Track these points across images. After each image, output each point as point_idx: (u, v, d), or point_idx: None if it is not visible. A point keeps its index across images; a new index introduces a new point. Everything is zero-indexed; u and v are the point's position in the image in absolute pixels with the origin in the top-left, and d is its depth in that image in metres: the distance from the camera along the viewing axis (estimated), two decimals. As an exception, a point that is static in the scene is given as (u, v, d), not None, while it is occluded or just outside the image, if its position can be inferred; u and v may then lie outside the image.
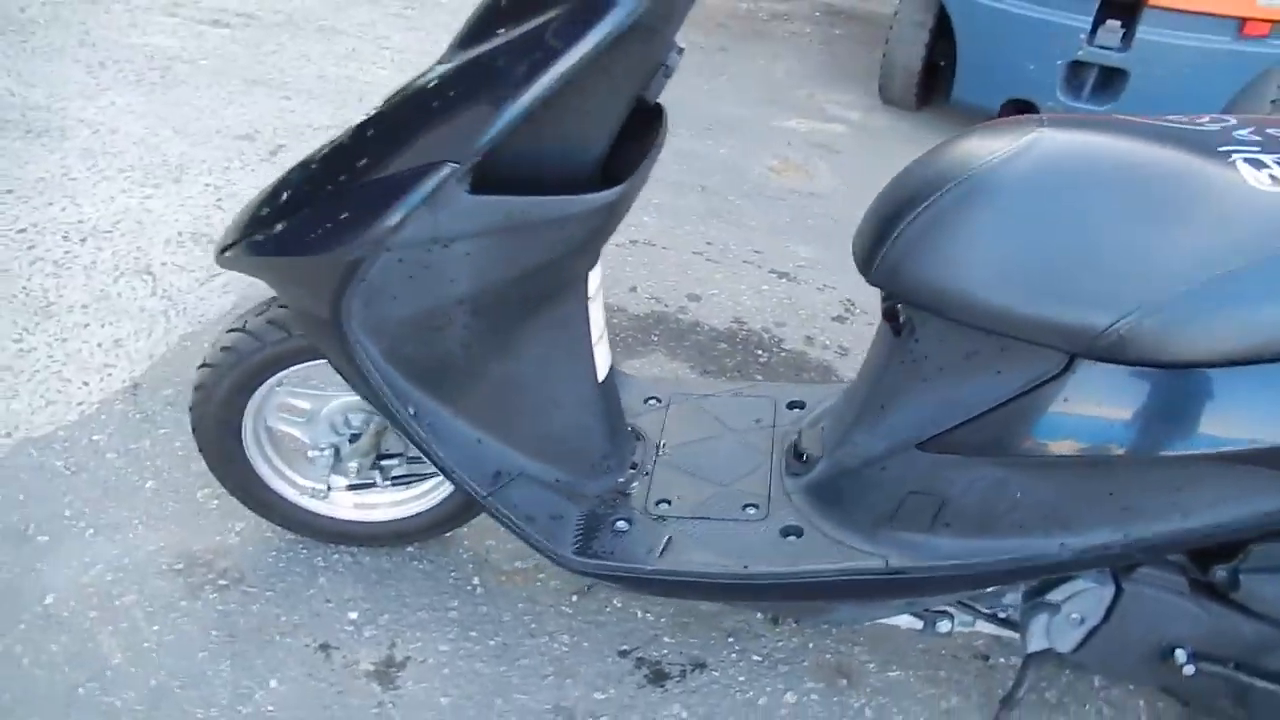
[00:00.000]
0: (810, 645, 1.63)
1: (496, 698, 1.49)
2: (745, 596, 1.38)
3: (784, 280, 2.60)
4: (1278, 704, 1.30)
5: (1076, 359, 1.11)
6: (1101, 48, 3.13)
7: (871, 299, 2.55)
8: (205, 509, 1.74)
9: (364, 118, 1.21)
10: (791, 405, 1.62)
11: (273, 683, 1.47)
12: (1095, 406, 1.12)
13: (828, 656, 1.61)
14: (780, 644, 1.63)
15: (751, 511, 1.41)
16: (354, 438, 1.51)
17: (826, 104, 3.72)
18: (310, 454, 1.52)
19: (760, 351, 2.33)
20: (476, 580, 1.68)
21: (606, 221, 1.20)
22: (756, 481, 1.47)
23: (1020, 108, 3.32)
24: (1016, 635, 1.41)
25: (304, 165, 1.26)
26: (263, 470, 1.56)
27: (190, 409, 1.48)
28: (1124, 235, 1.08)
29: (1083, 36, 3.13)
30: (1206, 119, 1.22)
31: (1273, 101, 3.26)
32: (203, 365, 1.44)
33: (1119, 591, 1.27)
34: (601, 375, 1.40)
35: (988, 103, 3.39)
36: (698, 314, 2.43)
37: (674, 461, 1.51)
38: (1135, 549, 1.19)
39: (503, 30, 1.10)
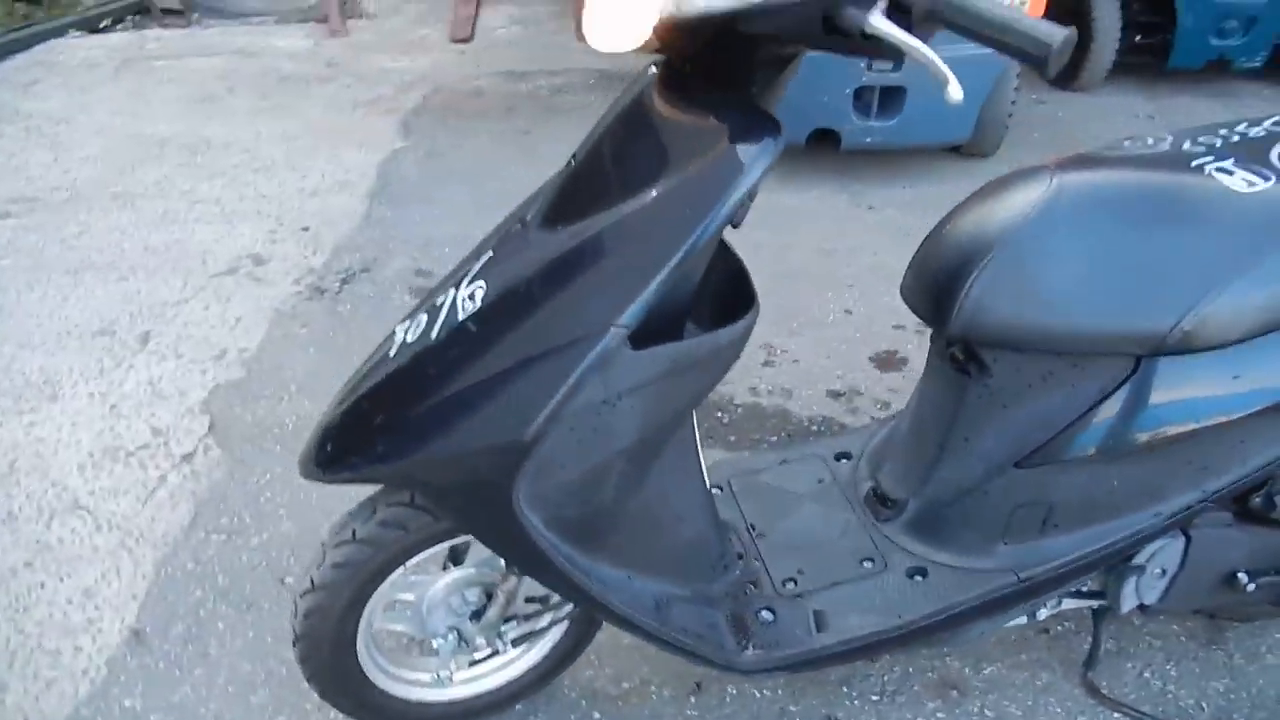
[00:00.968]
0: (910, 670, 1.76)
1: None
2: (906, 644, 1.49)
3: (704, 341, 2.73)
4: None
5: (1143, 359, 1.32)
6: (879, 71, 3.53)
7: (787, 339, 2.75)
8: (289, 738, 1.62)
9: (476, 299, 1.22)
10: (839, 457, 1.75)
11: None
12: (1168, 394, 1.34)
13: (930, 675, 1.76)
14: (887, 677, 1.75)
15: (869, 565, 1.53)
16: (475, 614, 1.48)
17: (647, 165, 3.91)
18: (435, 644, 1.47)
19: (720, 413, 2.45)
20: (597, 715, 1.68)
21: (744, 344, 1.28)
22: (855, 536, 1.58)
23: (823, 134, 3.67)
24: (1096, 603, 1.62)
25: (422, 359, 1.24)
26: (379, 679, 1.49)
27: (296, 642, 1.40)
28: (1162, 250, 1.31)
29: (863, 65, 3.50)
30: (1151, 140, 1.48)
31: (1016, 89, 3.81)
32: (310, 590, 1.37)
33: (1188, 540, 1.50)
34: (709, 482, 1.47)
35: (794, 136, 3.71)
36: (645, 393, 2.51)
37: (772, 541, 1.60)
38: (1210, 500, 1.41)
39: (622, 192, 1.15)
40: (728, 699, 1.71)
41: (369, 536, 1.35)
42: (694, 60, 1.19)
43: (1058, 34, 0.94)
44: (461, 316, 1.23)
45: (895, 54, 1.02)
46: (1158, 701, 1.71)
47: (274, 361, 2.61)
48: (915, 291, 1.45)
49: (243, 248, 3.19)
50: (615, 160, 1.23)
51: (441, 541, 1.38)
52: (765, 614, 1.48)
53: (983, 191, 1.46)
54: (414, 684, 1.53)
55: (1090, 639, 1.73)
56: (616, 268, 1.15)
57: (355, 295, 2.94)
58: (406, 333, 1.31)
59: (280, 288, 2.97)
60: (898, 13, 1.01)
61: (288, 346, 2.68)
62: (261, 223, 3.36)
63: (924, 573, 1.50)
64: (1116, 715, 1.68)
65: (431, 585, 1.47)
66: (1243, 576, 1.53)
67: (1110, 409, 1.36)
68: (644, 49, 1.15)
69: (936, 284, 1.39)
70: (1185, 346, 1.29)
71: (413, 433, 1.21)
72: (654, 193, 1.15)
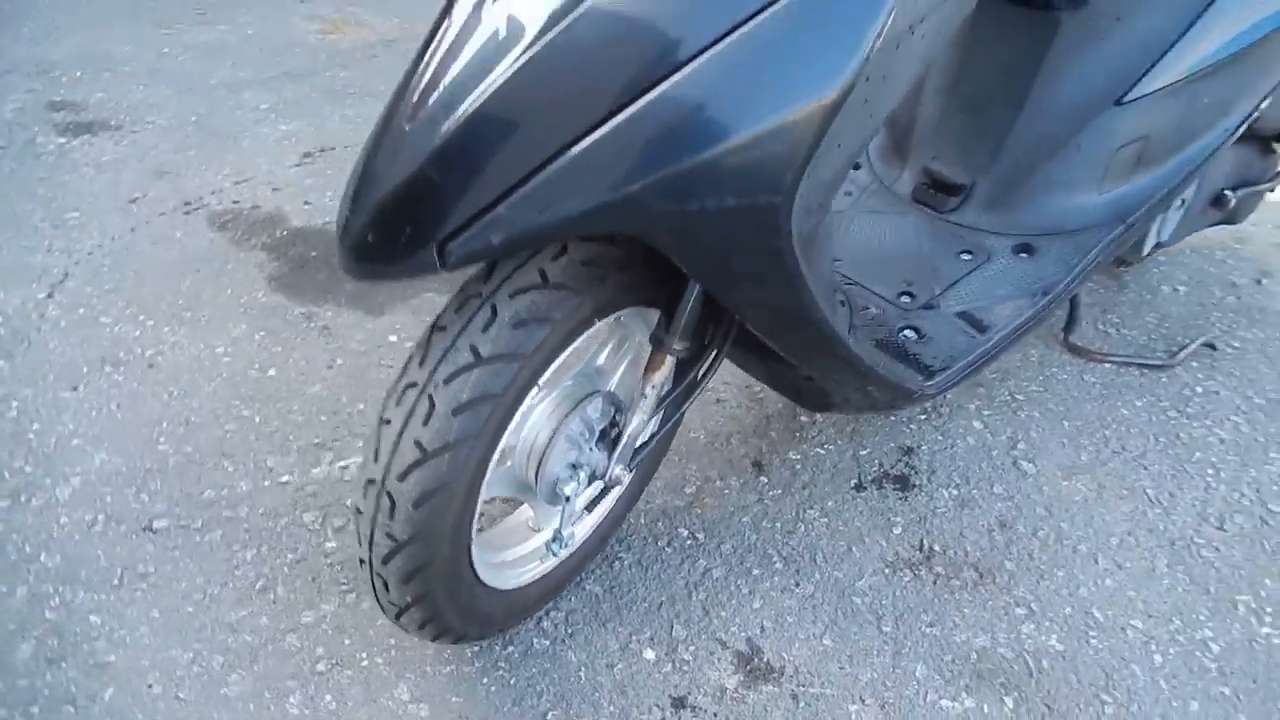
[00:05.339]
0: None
1: (852, 598, 1.28)
2: (1045, 317, 1.33)
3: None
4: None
5: None
6: None
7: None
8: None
9: None
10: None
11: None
12: None
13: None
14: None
15: (969, 258, 1.35)
16: (603, 435, 1.05)
17: None
18: (564, 490, 1.02)
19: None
20: (684, 531, 1.35)
21: None
22: (932, 235, 1.39)
23: None
24: None
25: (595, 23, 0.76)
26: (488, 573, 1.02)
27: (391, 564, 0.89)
28: None
29: None
30: None
31: None
32: (421, 461, 0.86)
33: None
34: None
35: None
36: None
37: (851, 263, 1.34)
38: (1259, 108, 1.42)
39: None
40: (798, 465, 1.47)
41: (502, 349, 0.86)
42: None
43: None
44: None
45: None
46: (1117, 344, 1.78)
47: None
48: None
49: None
50: None
51: (584, 331, 0.94)
52: (908, 333, 1.24)
53: None
54: (521, 562, 1.08)
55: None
56: None
57: (-27, 146, 1.99)
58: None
59: None
60: None
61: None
62: None
63: (1029, 249, 1.35)
64: (1106, 365, 1.73)
65: (533, 412, 1.01)
66: (1229, 193, 1.59)
67: (1214, 15, 1.27)
68: None
69: None
70: None
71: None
72: None
